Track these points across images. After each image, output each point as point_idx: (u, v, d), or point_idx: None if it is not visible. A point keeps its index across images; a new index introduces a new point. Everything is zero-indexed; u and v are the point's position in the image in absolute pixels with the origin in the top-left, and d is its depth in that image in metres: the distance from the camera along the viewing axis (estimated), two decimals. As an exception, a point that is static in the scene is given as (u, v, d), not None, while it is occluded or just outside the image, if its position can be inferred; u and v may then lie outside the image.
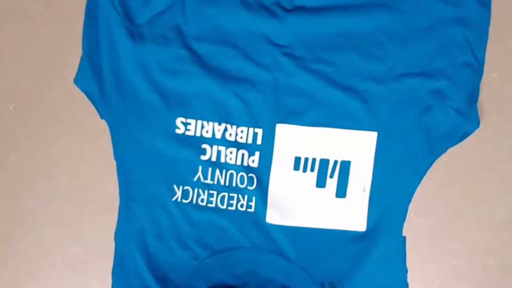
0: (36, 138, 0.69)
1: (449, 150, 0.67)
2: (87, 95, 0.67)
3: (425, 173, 0.67)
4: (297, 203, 0.68)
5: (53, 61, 0.69)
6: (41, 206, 0.68)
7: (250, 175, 0.67)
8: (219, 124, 0.67)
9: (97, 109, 0.67)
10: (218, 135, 0.67)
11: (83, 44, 0.68)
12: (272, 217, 0.68)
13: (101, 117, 0.67)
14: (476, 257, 0.69)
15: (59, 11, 0.70)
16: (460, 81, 0.68)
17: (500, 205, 0.69)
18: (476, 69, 0.68)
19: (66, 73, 0.69)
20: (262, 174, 0.68)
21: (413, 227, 0.69)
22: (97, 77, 0.67)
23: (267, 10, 0.68)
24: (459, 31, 0.68)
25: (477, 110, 0.67)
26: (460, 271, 0.69)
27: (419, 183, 0.68)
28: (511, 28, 0.70)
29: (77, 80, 0.68)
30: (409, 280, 0.67)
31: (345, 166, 0.68)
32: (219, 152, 0.67)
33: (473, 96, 0.68)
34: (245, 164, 0.67)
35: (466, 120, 0.68)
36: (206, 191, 0.67)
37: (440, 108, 0.67)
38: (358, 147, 0.68)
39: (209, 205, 0.67)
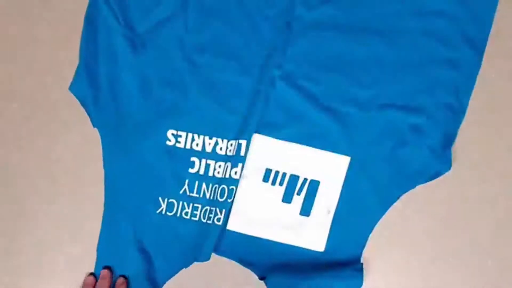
0: (37, 138, 0.68)
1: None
2: (81, 102, 0.67)
3: (390, 206, 0.67)
4: (260, 214, 0.67)
5: (54, 62, 0.68)
6: (42, 206, 0.68)
7: (231, 187, 0.66)
8: (210, 138, 0.67)
9: (90, 117, 0.67)
10: (209, 149, 0.67)
11: (80, 51, 0.66)
12: (234, 224, 0.67)
13: (94, 126, 0.67)
14: (476, 257, 0.68)
15: (60, 12, 0.67)
16: (440, 121, 0.67)
17: (500, 205, 0.68)
18: (458, 112, 0.68)
19: (67, 73, 0.67)
20: None
21: (413, 227, 0.68)
22: (93, 85, 0.66)
23: (268, 23, 0.68)
24: (448, 72, 0.68)
25: (451, 153, 0.67)
26: (459, 271, 0.68)
27: (383, 214, 0.67)
28: (511, 28, 0.69)
29: (72, 87, 0.67)
30: (407, 280, 0.68)
31: (314, 185, 0.67)
32: (207, 166, 0.67)
33: (449, 139, 0.68)
34: (227, 176, 0.67)
35: (439, 160, 0.67)
36: (191, 204, 0.66)
37: (415, 144, 0.67)
38: (329, 168, 0.67)
39: (193, 218, 0.66)
